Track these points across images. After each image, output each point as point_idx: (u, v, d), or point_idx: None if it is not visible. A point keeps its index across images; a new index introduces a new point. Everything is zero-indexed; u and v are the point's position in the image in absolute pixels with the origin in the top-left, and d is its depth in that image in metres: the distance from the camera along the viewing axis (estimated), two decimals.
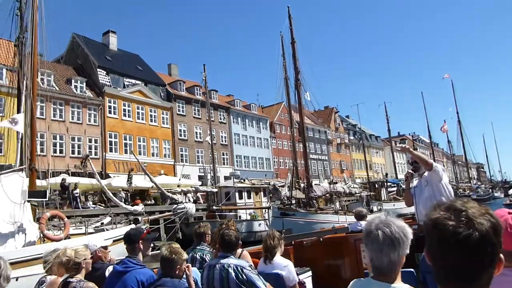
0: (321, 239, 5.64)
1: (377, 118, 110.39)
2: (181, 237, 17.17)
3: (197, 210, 20.67)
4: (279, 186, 19.25)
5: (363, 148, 45.28)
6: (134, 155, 18.19)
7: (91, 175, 17.02)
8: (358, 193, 22.88)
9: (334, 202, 18.80)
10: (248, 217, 18.86)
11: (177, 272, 2.85)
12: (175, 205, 17.75)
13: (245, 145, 46.98)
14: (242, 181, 21.77)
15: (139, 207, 12.03)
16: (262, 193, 20.57)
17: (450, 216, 0.97)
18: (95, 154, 31.10)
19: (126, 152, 33.30)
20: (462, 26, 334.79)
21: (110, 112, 32.72)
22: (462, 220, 0.95)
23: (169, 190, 18.44)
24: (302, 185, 22.06)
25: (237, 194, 19.71)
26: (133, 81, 36.15)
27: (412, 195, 4.18)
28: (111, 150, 32.12)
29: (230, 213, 18.56)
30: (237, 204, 19.25)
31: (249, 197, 20.18)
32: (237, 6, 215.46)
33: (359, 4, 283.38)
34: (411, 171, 4.22)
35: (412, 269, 3.16)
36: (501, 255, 0.97)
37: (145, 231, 3.33)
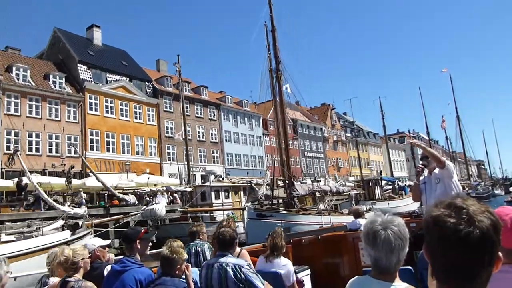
0: (319, 237, 5.61)
1: (376, 115, 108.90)
2: (154, 240, 15.75)
3: (174, 211, 19.33)
4: (255, 185, 17.78)
5: (356, 145, 43.79)
6: (77, 151, 16.79)
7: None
8: (347, 192, 21.41)
9: (317, 202, 17.42)
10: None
11: (177, 272, 2.85)
12: (144, 206, 16.43)
13: (236, 142, 45.59)
14: (221, 179, 20.39)
15: (81, 210, 10.61)
16: (242, 192, 19.17)
17: (451, 213, 0.97)
18: (75, 152, 29.70)
19: (108, 151, 32.02)
20: (461, 24, 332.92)
21: (91, 109, 31.33)
22: (463, 217, 0.95)
23: (135, 190, 17.01)
24: (290, 182, 20.68)
25: (213, 194, 18.28)
26: (117, 76, 34.74)
27: (420, 190, 4.11)
28: (92, 149, 30.74)
29: (206, 215, 17.19)
30: (213, 205, 17.86)
31: (227, 197, 18.75)
32: (232, 2, 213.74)
33: (359, 4, 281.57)
34: (421, 166, 4.10)
35: (410, 267, 3.17)
36: (500, 253, 0.98)
37: (142, 231, 3.26)
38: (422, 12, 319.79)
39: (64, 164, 28.62)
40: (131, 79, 35.82)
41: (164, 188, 17.98)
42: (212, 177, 19.49)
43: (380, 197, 32.37)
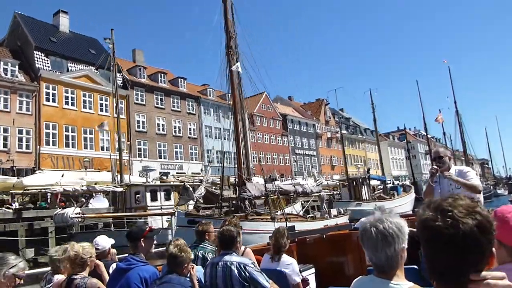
0: (324, 236, 5.50)
1: (376, 114, 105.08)
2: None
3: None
4: (189, 184, 14.71)
5: (341, 140, 40.68)
6: None
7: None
8: (316, 193, 18.36)
9: (269, 205, 14.45)
10: (166, 225, 14.51)
11: (183, 271, 2.87)
12: (58, 210, 13.53)
13: (218, 138, 42.56)
14: (164, 177, 17.48)
15: None
16: None
17: (437, 217, 0.98)
18: (27, 147, 26.92)
19: (67, 146, 29.19)
20: (463, 24, 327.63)
21: (47, 100, 28.49)
22: (447, 220, 0.96)
23: (42, 190, 14.09)
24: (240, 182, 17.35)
25: (148, 194, 15.36)
26: (81, 66, 31.87)
27: (433, 191, 3.94)
28: (47, 143, 27.91)
29: (140, 220, 14.27)
30: (149, 208, 14.91)
31: (167, 198, 15.82)
32: None
33: (359, 4, 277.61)
34: (436, 167, 3.89)
35: (415, 266, 3.19)
36: (493, 249, 0.99)
37: (147, 229, 3.27)
38: (423, 12, 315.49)
39: (12, 160, 25.91)
40: (98, 69, 32.91)
41: (84, 188, 15.05)
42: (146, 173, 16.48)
43: (367, 198, 29.28)
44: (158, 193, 15.84)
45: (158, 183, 17.75)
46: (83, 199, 17.76)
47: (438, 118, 43.13)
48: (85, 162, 27.46)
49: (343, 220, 17.46)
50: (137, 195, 15.93)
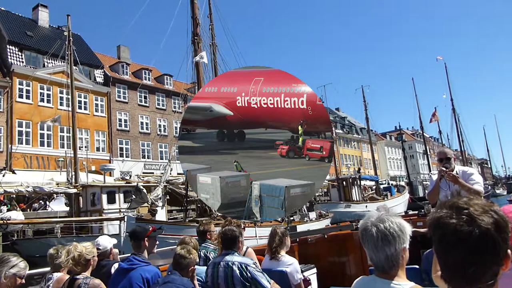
0: (325, 236, 5.50)
1: (373, 114, 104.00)
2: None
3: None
4: (150, 185, 13.19)
5: (332, 139, 39.17)
6: None
7: None
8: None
9: None
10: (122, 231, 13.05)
11: (187, 272, 2.86)
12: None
13: None
14: (127, 177, 16.08)
15: None
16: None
17: (452, 214, 0.97)
18: None
19: (42, 145, 27.81)
20: (462, 20, 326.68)
21: (21, 96, 27.12)
22: (462, 218, 0.95)
23: None
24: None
25: (105, 196, 13.92)
26: (59, 61, 30.42)
27: (439, 192, 4.00)
28: (21, 142, 26.45)
29: (95, 225, 12.84)
30: (105, 211, 13.47)
31: (128, 201, 14.43)
32: None
33: (359, 3, 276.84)
34: (446, 170, 3.89)
35: (417, 266, 3.18)
36: (509, 251, 0.96)
37: (151, 229, 3.26)
38: (421, 10, 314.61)
39: None
40: (76, 64, 31.51)
41: (30, 189, 13.57)
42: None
43: (357, 199, 27.90)
44: (117, 195, 14.38)
45: (118, 184, 16.32)
46: (41, 201, 16.37)
47: (435, 117, 41.65)
48: (59, 162, 26.08)
49: (324, 224, 16.07)
50: (93, 197, 14.56)
